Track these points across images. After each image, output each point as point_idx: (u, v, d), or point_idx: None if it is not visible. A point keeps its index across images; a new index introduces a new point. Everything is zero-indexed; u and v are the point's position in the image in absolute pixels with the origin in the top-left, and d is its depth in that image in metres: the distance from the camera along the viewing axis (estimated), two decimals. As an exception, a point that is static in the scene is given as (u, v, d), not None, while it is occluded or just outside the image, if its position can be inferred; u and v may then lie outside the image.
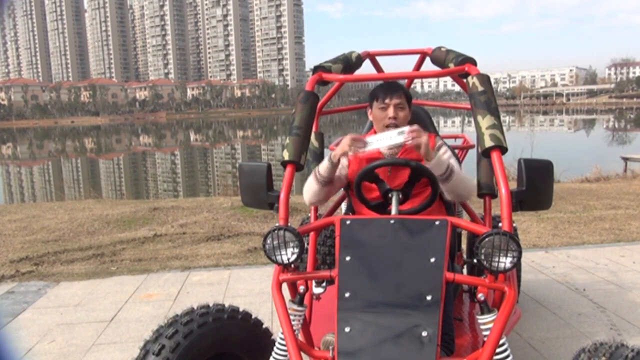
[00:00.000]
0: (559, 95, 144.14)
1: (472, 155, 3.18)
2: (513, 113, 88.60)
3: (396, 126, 2.39)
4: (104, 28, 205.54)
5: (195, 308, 2.15)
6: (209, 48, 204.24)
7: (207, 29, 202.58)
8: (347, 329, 1.77)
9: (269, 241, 1.97)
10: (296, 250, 1.96)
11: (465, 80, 2.38)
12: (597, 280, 4.17)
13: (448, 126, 43.24)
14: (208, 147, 44.64)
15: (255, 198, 2.39)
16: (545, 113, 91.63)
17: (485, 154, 2.15)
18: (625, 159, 12.87)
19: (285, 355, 1.97)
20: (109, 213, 7.21)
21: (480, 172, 2.49)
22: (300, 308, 2.04)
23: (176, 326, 2.04)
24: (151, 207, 7.50)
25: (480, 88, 2.25)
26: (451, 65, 2.52)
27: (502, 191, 2.01)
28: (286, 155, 2.27)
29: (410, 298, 1.80)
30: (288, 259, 1.97)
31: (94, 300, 4.05)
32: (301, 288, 2.05)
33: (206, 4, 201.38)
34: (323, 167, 2.35)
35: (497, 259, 1.80)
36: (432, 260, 1.87)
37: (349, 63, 2.73)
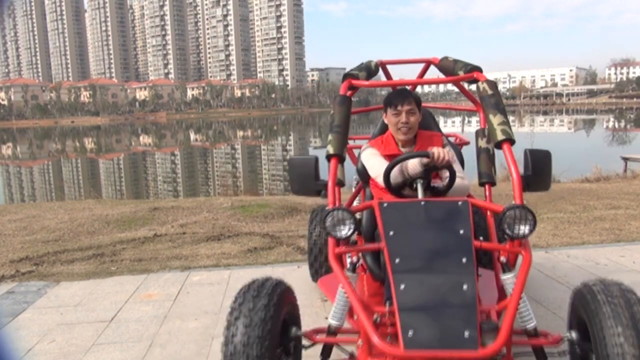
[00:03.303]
0: (559, 95, 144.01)
1: (466, 150, 3.56)
2: (513, 113, 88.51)
3: (408, 129, 2.82)
4: (104, 28, 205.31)
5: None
6: (209, 48, 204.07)
7: (207, 29, 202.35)
8: (402, 287, 2.13)
9: (329, 220, 2.36)
10: (352, 226, 2.35)
11: (475, 86, 2.87)
12: (597, 280, 4.16)
13: (448, 126, 43.25)
14: (208, 147, 44.66)
15: (305, 186, 2.91)
16: (545, 113, 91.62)
17: (497, 146, 2.63)
18: (625, 159, 12.85)
19: (346, 305, 2.34)
20: (109, 213, 7.21)
21: (480, 164, 2.90)
22: (354, 275, 2.43)
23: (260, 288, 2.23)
24: (151, 207, 7.50)
25: (490, 92, 2.75)
26: (461, 73, 2.97)
27: (514, 175, 2.44)
28: (331, 150, 2.71)
29: (449, 260, 2.20)
30: (345, 234, 2.36)
31: (94, 300, 4.05)
32: (354, 258, 2.45)
33: (206, 4, 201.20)
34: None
35: (518, 227, 2.25)
36: (461, 232, 2.29)
37: (370, 70, 3.23)
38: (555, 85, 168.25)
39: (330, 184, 2.61)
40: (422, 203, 2.43)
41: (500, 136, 2.59)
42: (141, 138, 65.58)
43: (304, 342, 2.37)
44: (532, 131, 16.79)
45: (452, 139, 3.75)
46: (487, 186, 2.88)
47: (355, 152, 3.58)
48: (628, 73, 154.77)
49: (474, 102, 3.39)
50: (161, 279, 4.51)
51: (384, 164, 2.75)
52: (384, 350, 2.03)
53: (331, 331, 2.34)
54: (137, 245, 5.61)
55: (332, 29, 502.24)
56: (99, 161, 36.62)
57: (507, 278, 2.29)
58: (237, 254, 5.17)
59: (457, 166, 2.76)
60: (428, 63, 3.51)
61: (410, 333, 1.99)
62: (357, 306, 2.16)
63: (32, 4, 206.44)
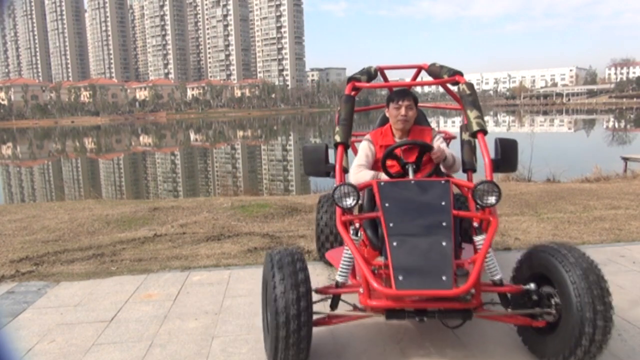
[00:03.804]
0: (559, 95, 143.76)
1: (453, 144, 4.10)
2: (513, 113, 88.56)
3: (406, 122, 3.43)
4: (104, 28, 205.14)
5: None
6: (209, 48, 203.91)
7: (207, 29, 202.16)
8: (395, 243, 2.65)
9: (337, 192, 2.86)
10: (355, 198, 2.87)
11: (456, 87, 3.53)
12: (597, 280, 4.15)
13: (448, 126, 43.24)
14: (208, 147, 44.62)
15: (316, 169, 3.47)
16: (545, 113, 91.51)
17: (473, 135, 3.30)
18: (626, 159, 12.82)
19: (350, 264, 2.88)
20: (109, 213, 7.20)
21: (463, 154, 3.50)
22: (357, 238, 2.86)
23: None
24: (151, 207, 7.49)
25: (468, 92, 3.39)
26: (445, 76, 3.63)
27: (486, 159, 3.09)
28: (338, 139, 3.31)
29: (432, 224, 2.72)
30: (350, 204, 2.87)
31: (94, 300, 4.05)
32: (357, 224, 2.90)
33: (206, 4, 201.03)
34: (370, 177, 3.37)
35: (486, 198, 2.80)
36: (443, 203, 2.84)
37: (370, 74, 3.83)
38: (555, 85, 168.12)
39: (337, 166, 3.18)
40: (413, 182, 3.01)
41: (475, 127, 3.24)
42: (141, 138, 65.54)
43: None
44: (532, 131, 16.77)
45: (442, 135, 4.21)
46: (469, 172, 3.52)
47: (356, 145, 4.14)
48: (628, 73, 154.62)
49: (457, 100, 3.86)
50: (161, 279, 4.51)
51: (366, 173, 3.39)
52: (380, 291, 2.53)
53: (338, 286, 2.87)
54: (137, 245, 5.61)
55: (332, 29, 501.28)
56: (99, 161, 36.60)
57: (479, 239, 2.81)
58: (237, 254, 5.17)
59: (445, 148, 3.40)
60: (419, 68, 4.13)
61: (401, 277, 2.51)
62: (359, 258, 2.67)
63: (32, 4, 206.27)
